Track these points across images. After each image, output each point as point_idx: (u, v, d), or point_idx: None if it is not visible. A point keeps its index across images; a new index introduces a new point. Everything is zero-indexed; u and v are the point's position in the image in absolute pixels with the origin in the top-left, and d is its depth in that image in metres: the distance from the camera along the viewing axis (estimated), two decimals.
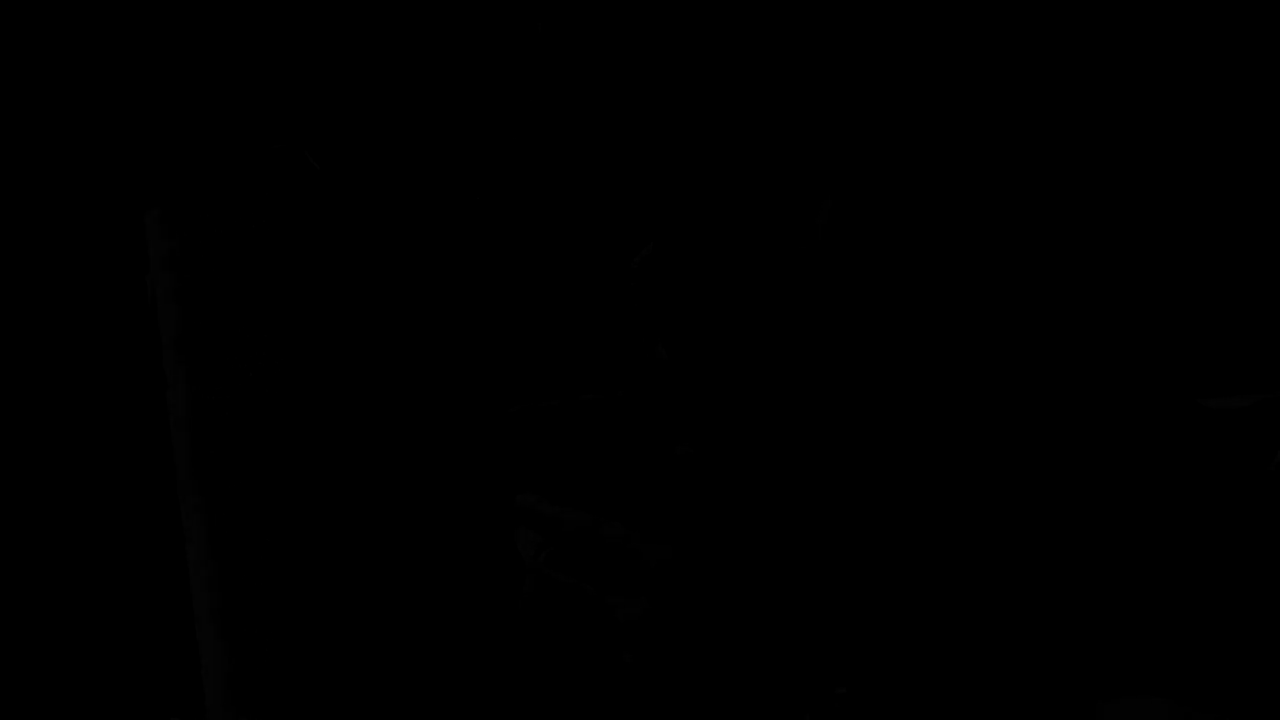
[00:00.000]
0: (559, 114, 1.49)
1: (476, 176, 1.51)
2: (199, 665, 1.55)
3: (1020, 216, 0.81)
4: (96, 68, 1.72)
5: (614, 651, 0.69)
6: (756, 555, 0.71)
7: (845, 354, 0.84)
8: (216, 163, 1.55)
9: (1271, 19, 1.11)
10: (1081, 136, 0.84)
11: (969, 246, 0.79)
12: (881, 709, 0.70)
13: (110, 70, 1.71)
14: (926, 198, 0.78)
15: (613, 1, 1.49)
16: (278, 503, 1.49)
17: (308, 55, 1.60)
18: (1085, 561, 0.75)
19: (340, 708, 1.48)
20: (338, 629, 1.48)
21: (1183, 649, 0.69)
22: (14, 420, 1.75)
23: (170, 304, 1.53)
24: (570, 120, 1.48)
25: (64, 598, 1.74)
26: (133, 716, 1.73)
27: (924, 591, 0.83)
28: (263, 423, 1.49)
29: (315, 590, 1.49)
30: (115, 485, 1.75)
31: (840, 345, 0.84)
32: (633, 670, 0.70)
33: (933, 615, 0.82)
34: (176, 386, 1.53)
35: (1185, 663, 0.69)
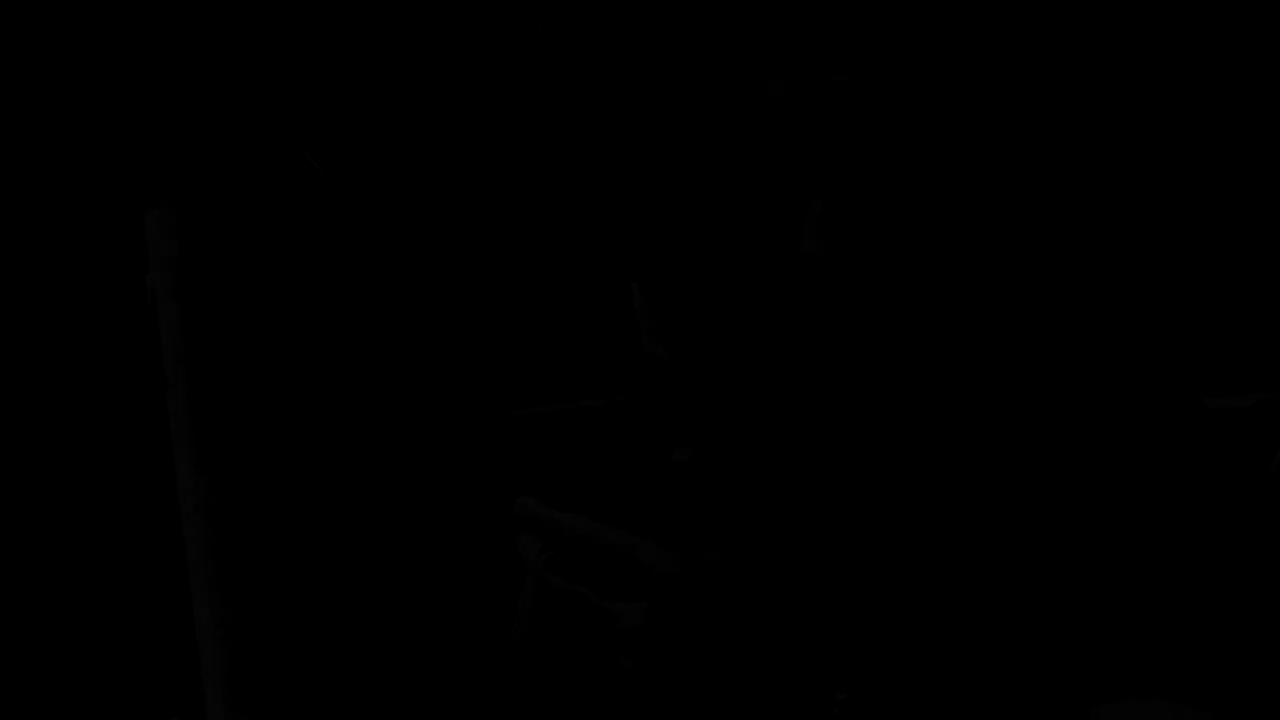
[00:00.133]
0: (559, 115, 1.49)
1: (477, 177, 1.51)
2: (199, 665, 1.55)
3: (1016, 214, 0.81)
4: (96, 68, 1.72)
5: (613, 657, 0.69)
6: (757, 560, 0.71)
7: (845, 355, 0.84)
8: (216, 163, 1.55)
9: (1271, 19, 1.11)
10: (1080, 134, 0.84)
11: (964, 245, 0.79)
12: (882, 713, 0.70)
13: (110, 70, 1.71)
14: (919, 196, 0.77)
15: (612, 2, 1.49)
16: (278, 503, 1.49)
17: (308, 55, 1.60)
18: (1084, 562, 0.75)
19: (340, 708, 1.48)
20: (338, 630, 1.48)
21: (1182, 649, 0.69)
22: (13, 420, 1.75)
23: (170, 304, 1.53)
24: (570, 121, 1.48)
25: (63, 598, 1.74)
26: (133, 716, 1.73)
27: (924, 594, 0.83)
28: (263, 423, 1.49)
29: (315, 591, 1.49)
30: (115, 486, 1.75)
31: (839, 346, 0.84)
32: (631, 676, 0.69)
33: (933, 617, 0.82)
34: (176, 386, 1.53)
35: (1185, 663, 0.69)
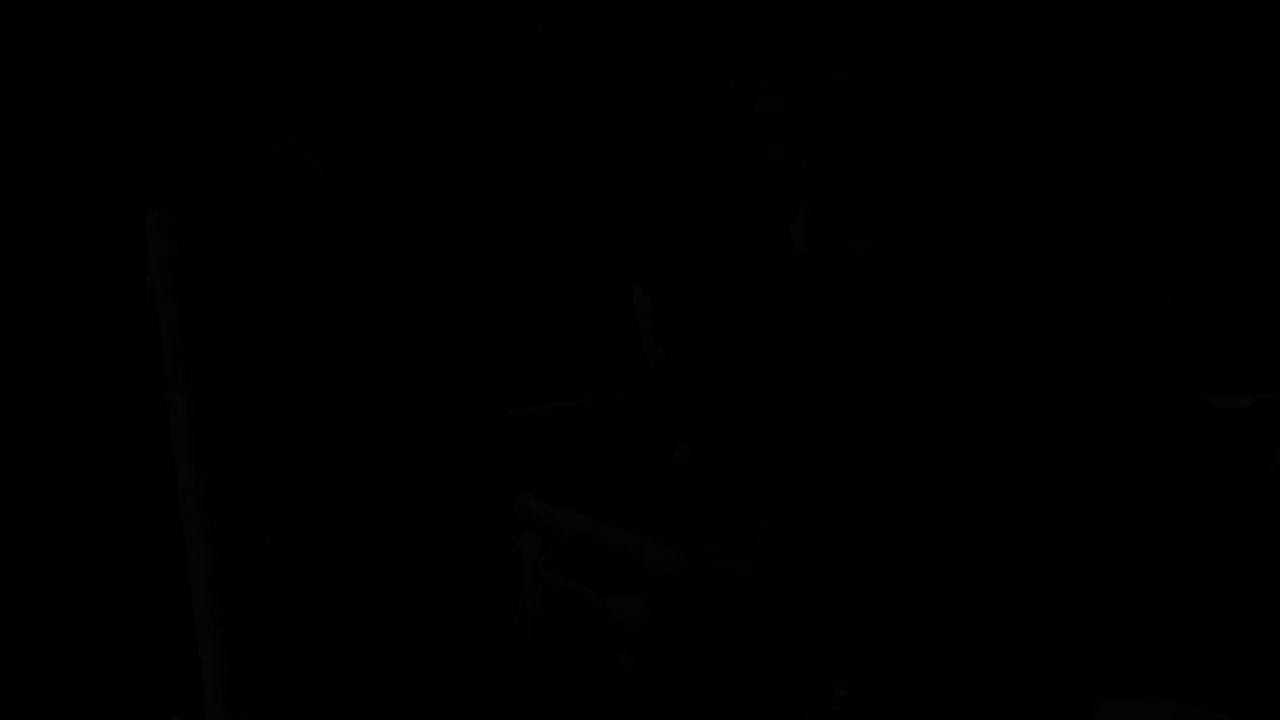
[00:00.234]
0: (559, 114, 1.49)
1: (476, 177, 1.51)
2: (199, 665, 1.55)
3: (1012, 215, 0.81)
4: (97, 68, 1.72)
5: (613, 655, 0.69)
6: (756, 557, 0.71)
7: (843, 355, 0.84)
8: (216, 163, 1.55)
9: (1271, 19, 1.11)
10: (1078, 133, 0.84)
11: (959, 245, 0.79)
12: (881, 711, 0.70)
13: (111, 71, 1.71)
14: (912, 197, 0.77)
15: (611, 3, 1.49)
16: (277, 503, 1.49)
17: (308, 55, 1.60)
18: (1084, 561, 0.75)
19: (340, 708, 1.48)
20: (337, 630, 1.48)
21: (1182, 648, 0.69)
22: (14, 420, 1.75)
23: (170, 304, 1.53)
24: (570, 120, 1.48)
25: (64, 598, 1.74)
26: (133, 716, 1.73)
27: (924, 591, 0.83)
28: (263, 423, 1.49)
29: (315, 591, 1.49)
30: (115, 486, 1.75)
31: (838, 346, 0.84)
32: (631, 674, 0.69)
33: (933, 614, 0.82)
34: (176, 386, 1.53)
35: (1184, 662, 0.69)
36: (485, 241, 1.50)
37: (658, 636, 0.68)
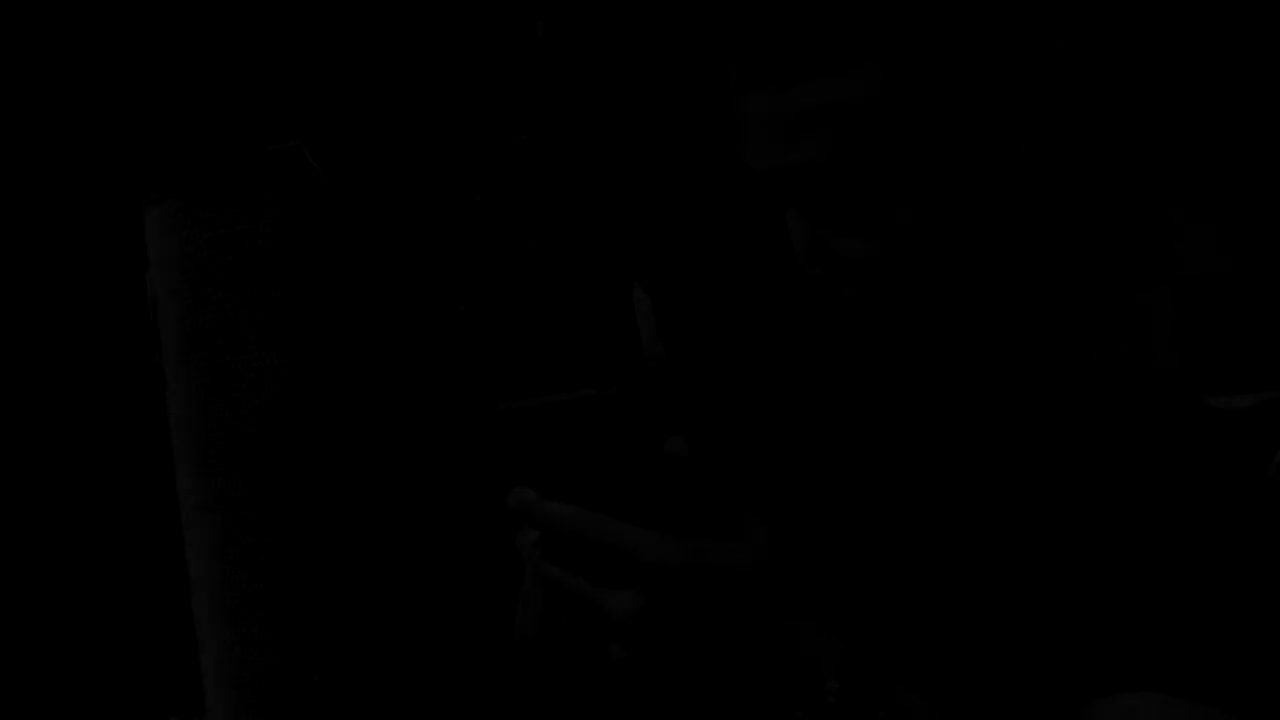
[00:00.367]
0: (557, 113, 1.49)
1: (474, 174, 1.51)
2: (199, 665, 1.55)
3: (1009, 216, 0.81)
4: (97, 68, 1.72)
5: (606, 646, 0.69)
6: (750, 548, 0.71)
7: (842, 355, 0.84)
8: (216, 162, 1.55)
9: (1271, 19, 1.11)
10: (1075, 136, 0.84)
11: (955, 245, 0.79)
12: (873, 704, 0.70)
13: (111, 70, 1.71)
14: (905, 199, 0.77)
15: (611, 4, 1.49)
16: (277, 503, 1.49)
17: (308, 55, 1.60)
18: (1083, 558, 0.75)
19: (340, 707, 1.48)
20: (337, 629, 1.48)
21: (1181, 649, 0.69)
22: (14, 420, 1.75)
23: (170, 303, 1.53)
24: (567, 118, 1.48)
25: (64, 598, 1.74)
26: (133, 716, 1.73)
27: (919, 585, 0.83)
28: (262, 422, 1.49)
29: (315, 590, 1.48)
30: (115, 485, 1.75)
31: (837, 346, 0.84)
32: (625, 665, 0.69)
33: (927, 609, 0.82)
34: (176, 386, 1.53)
35: (1184, 663, 0.69)
36: (480, 237, 1.50)
37: (651, 628, 0.68)
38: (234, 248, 1.48)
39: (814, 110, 0.75)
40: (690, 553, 0.67)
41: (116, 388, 1.75)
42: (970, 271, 0.78)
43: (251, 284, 1.47)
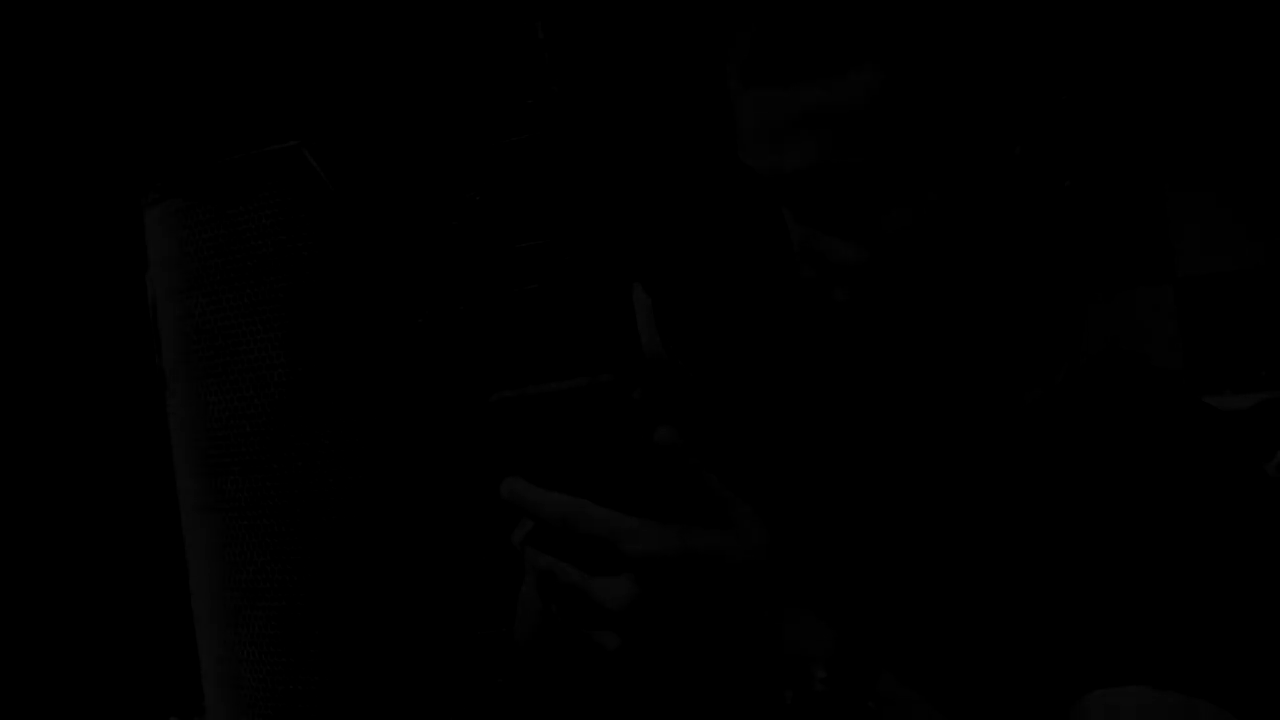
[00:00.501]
0: (556, 113, 1.49)
1: (474, 174, 1.51)
2: (199, 665, 1.55)
3: (1007, 217, 0.81)
4: (97, 68, 1.72)
5: (598, 635, 0.70)
6: (741, 538, 0.71)
7: (841, 354, 0.84)
8: (216, 162, 1.55)
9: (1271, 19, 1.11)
10: (1076, 133, 0.84)
11: (950, 245, 0.79)
12: (861, 693, 0.70)
13: (111, 70, 1.71)
14: (898, 201, 0.78)
15: (611, 5, 1.49)
16: (277, 502, 1.49)
17: (308, 55, 1.60)
18: (1082, 556, 0.75)
19: (339, 707, 1.48)
20: (336, 628, 1.48)
21: (1181, 647, 0.69)
22: (14, 420, 1.75)
23: (170, 304, 1.53)
24: (567, 118, 1.48)
25: (64, 598, 1.74)
26: (133, 716, 1.73)
27: (910, 577, 0.83)
28: (262, 422, 1.49)
29: (314, 590, 1.48)
30: (115, 485, 1.75)
31: (835, 346, 0.84)
32: (617, 654, 0.70)
33: (919, 601, 0.82)
34: (176, 386, 1.53)
35: (1183, 661, 0.69)
36: (476, 235, 1.50)
37: (643, 617, 0.68)
38: (234, 248, 1.48)
39: (813, 111, 0.75)
40: (681, 541, 0.67)
41: (116, 388, 1.75)
42: (961, 276, 0.79)
43: (251, 284, 1.47)
